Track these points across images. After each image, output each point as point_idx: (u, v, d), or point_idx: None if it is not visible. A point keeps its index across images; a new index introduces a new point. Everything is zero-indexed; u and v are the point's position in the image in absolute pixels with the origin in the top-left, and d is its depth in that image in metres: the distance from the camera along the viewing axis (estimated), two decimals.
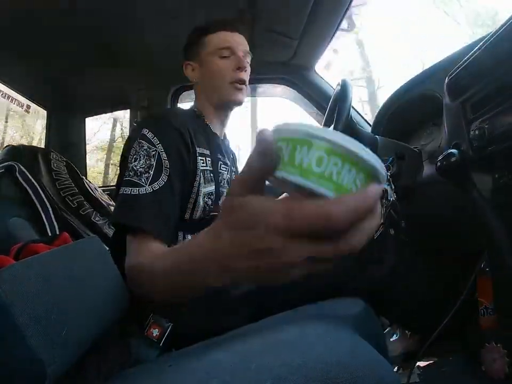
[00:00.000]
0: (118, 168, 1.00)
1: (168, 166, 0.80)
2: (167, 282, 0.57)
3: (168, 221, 0.78)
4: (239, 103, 1.00)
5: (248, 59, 1.02)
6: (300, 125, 0.32)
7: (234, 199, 0.37)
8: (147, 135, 0.82)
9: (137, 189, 0.76)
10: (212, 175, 0.95)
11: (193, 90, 1.10)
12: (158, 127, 0.85)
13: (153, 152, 0.80)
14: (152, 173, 0.78)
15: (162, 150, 0.81)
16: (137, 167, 0.79)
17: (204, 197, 0.92)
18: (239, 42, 1.00)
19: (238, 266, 0.38)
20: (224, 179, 1.03)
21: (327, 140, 0.30)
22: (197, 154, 0.90)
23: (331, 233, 0.31)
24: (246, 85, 0.99)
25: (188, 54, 1.03)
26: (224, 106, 1.02)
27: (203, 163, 0.92)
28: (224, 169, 1.04)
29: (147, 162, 0.79)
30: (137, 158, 0.80)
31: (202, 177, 0.90)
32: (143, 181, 0.77)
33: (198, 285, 0.49)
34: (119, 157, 0.97)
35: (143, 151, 0.81)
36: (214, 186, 0.95)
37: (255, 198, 0.35)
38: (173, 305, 0.83)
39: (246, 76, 0.99)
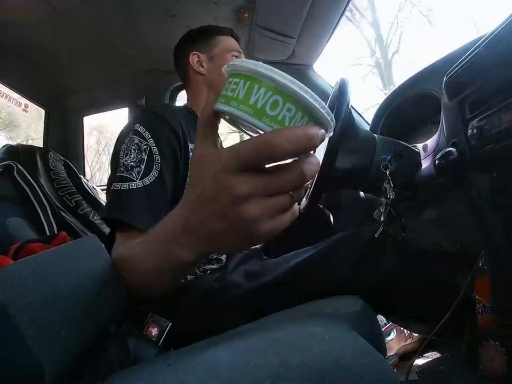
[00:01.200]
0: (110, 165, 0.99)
1: (159, 161, 0.80)
2: (142, 269, 0.55)
3: (158, 216, 0.77)
4: None
5: None
6: (254, 63, 0.33)
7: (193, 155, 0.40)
8: (138, 129, 0.82)
9: (128, 183, 0.76)
10: None
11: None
12: (149, 121, 0.85)
13: (145, 147, 0.80)
14: (143, 167, 0.78)
15: (154, 145, 0.81)
16: (128, 161, 0.78)
17: None
18: (242, 51, 1.10)
19: (206, 229, 0.38)
20: None
21: (285, 86, 0.33)
22: (189, 150, 0.90)
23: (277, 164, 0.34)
24: None
25: (196, 46, 1.06)
26: None
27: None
28: None
29: (138, 156, 0.79)
30: (128, 153, 0.80)
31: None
32: (134, 175, 0.77)
33: (174, 265, 0.47)
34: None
35: (134, 146, 0.80)
36: None
37: (203, 148, 0.38)
38: (172, 304, 0.83)
39: None
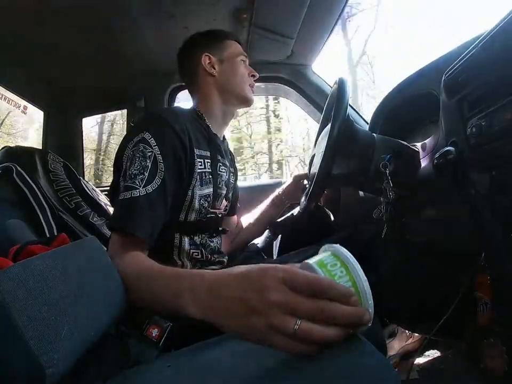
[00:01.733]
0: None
1: (163, 169, 0.81)
2: (149, 295, 0.63)
3: (158, 223, 0.80)
4: (251, 103, 1.12)
5: None
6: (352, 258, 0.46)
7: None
8: (145, 136, 0.83)
9: (130, 192, 0.77)
10: (210, 176, 0.96)
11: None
12: (156, 128, 0.85)
13: (149, 154, 0.81)
14: (146, 174, 0.79)
15: (159, 152, 0.81)
16: (133, 170, 0.79)
17: (200, 200, 0.92)
18: (247, 56, 1.13)
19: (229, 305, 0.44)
20: (222, 180, 1.04)
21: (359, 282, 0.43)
22: (195, 157, 0.90)
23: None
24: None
25: (208, 48, 1.07)
26: (238, 103, 1.10)
27: (201, 165, 0.93)
28: (223, 170, 1.04)
29: (142, 164, 0.80)
30: (134, 161, 0.80)
31: (198, 180, 0.91)
32: (137, 183, 0.78)
33: (177, 310, 0.52)
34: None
35: (139, 153, 0.81)
36: (211, 188, 0.96)
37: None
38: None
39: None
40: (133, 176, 0.78)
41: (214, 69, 1.06)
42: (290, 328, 0.38)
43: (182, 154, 0.86)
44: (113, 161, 0.96)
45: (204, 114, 1.04)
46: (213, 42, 1.09)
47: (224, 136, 1.13)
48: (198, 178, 0.91)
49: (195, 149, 0.90)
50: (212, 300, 0.46)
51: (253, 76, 1.10)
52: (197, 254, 0.92)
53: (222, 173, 1.04)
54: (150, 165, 0.79)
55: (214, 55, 1.06)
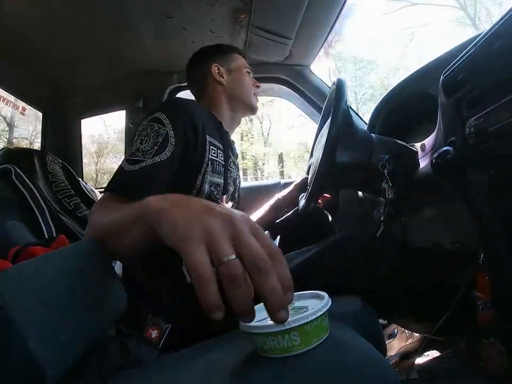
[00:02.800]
0: None
1: (173, 143, 0.83)
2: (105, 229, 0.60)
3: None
4: (256, 110, 1.22)
5: None
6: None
7: None
8: (159, 117, 0.86)
9: (138, 165, 0.78)
10: (222, 168, 0.98)
11: (189, 91, 1.19)
12: (170, 109, 0.90)
13: (162, 131, 0.84)
14: (156, 148, 0.81)
15: (171, 129, 0.85)
16: (146, 147, 0.81)
17: (211, 186, 0.93)
18: (251, 68, 1.22)
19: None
20: (232, 177, 1.06)
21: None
22: (207, 143, 0.93)
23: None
24: None
25: (217, 59, 1.16)
26: (244, 110, 1.18)
27: (214, 153, 0.96)
28: (233, 167, 1.07)
29: (154, 140, 0.82)
30: (147, 139, 0.83)
31: (210, 166, 0.93)
32: (147, 157, 0.80)
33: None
34: None
35: (153, 133, 0.84)
36: (222, 180, 0.97)
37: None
38: (172, 306, 0.83)
39: None
40: (144, 152, 0.80)
41: (223, 78, 1.14)
42: (226, 253, 0.37)
43: (191, 136, 0.89)
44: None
45: (213, 113, 1.09)
46: (221, 54, 1.18)
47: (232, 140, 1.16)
48: (210, 164, 0.93)
49: (207, 135, 0.94)
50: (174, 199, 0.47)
51: (257, 86, 1.20)
52: None
53: (232, 169, 1.07)
54: (160, 140, 0.82)
55: (223, 65, 1.15)
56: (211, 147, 0.95)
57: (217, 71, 1.14)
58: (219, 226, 0.38)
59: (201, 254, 0.37)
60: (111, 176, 0.81)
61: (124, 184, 0.77)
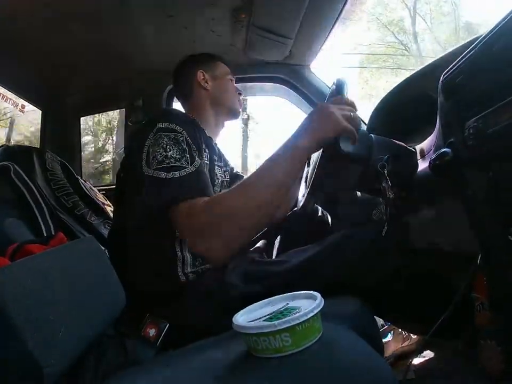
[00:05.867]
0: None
1: (195, 149, 0.88)
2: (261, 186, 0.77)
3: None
4: (239, 115, 1.27)
5: None
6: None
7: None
8: (169, 126, 0.89)
9: (183, 170, 0.82)
10: (209, 172, 0.98)
11: None
12: (178, 118, 0.93)
13: (181, 138, 0.87)
14: (187, 156, 0.85)
15: (187, 136, 0.88)
16: (174, 154, 0.84)
17: None
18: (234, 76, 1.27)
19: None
20: (218, 179, 1.05)
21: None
22: (204, 151, 0.97)
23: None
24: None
25: (202, 65, 1.21)
26: (228, 114, 1.23)
27: (205, 157, 0.99)
28: (218, 171, 1.07)
29: (180, 148, 0.86)
30: (170, 148, 0.85)
31: (206, 168, 0.95)
32: (184, 163, 0.83)
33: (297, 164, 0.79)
34: None
35: (172, 140, 0.86)
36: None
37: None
38: (170, 304, 0.83)
39: None
40: (178, 159, 0.83)
41: (208, 83, 1.19)
42: (349, 116, 0.78)
43: (201, 144, 0.94)
44: None
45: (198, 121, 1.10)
46: (206, 61, 1.23)
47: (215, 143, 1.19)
48: (205, 166, 0.95)
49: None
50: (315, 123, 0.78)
51: (240, 93, 1.26)
52: (200, 263, 0.92)
53: (217, 173, 1.09)
54: (186, 148, 0.86)
55: (207, 72, 1.20)
56: (204, 152, 0.98)
57: (203, 77, 1.18)
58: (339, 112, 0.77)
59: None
60: (154, 192, 0.83)
61: (193, 186, 0.82)
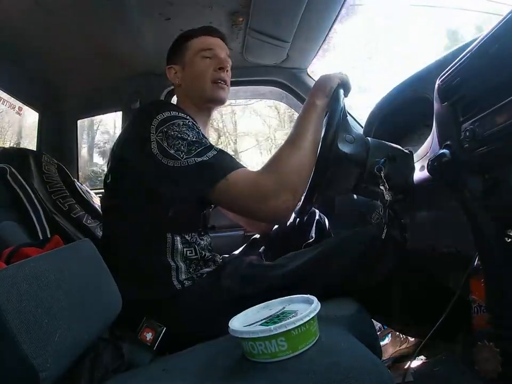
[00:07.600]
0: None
1: (203, 133, 0.89)
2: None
3: None
4: (221, 101, 1.06)
5: (229, 63, 1.06)
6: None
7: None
8: (172, 114, 0.86)
9: (213, 149, 0.82)
10: None
11: None
12: (172, 105, 0.94)
13: (190, 123, 0.86)
14: (205, 139, 0.85)
15: (193, 122, 0.88)
16: (195, 138, 0.83)
17: None
18: (220, 45, 1.07)
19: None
20: None
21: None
22: None
23: None
24: (227, 85, 1.05)
25: (171, 59, 1.08)
26: (207, 105, 1.06)
27: None
28: None
29: (194, 132, 0.84)
30: (186, 134, 0.83)
31: None
32: (207, 143, 0.84)
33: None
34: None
35: (183, 127, 0.84)
36: None
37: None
38: (166, 308, 0.82)
39: (227, 76, 1.05)
40: (199, 142, 0.83)
41: (178, 78, 1.06)
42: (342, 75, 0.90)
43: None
44: None
45: None
46: (174, 51, 1.09)
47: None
48: None
49: None
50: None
51: (220, 68, 1.02)
52: (190, 252, 0.91)
53: None
54: (199, 131, 0.87)
55: (177, 63, 1.06)
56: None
57: (174, 72, 1.06)
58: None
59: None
60: (194, 179, 0.81)
61: (230, 160, 0.84)
